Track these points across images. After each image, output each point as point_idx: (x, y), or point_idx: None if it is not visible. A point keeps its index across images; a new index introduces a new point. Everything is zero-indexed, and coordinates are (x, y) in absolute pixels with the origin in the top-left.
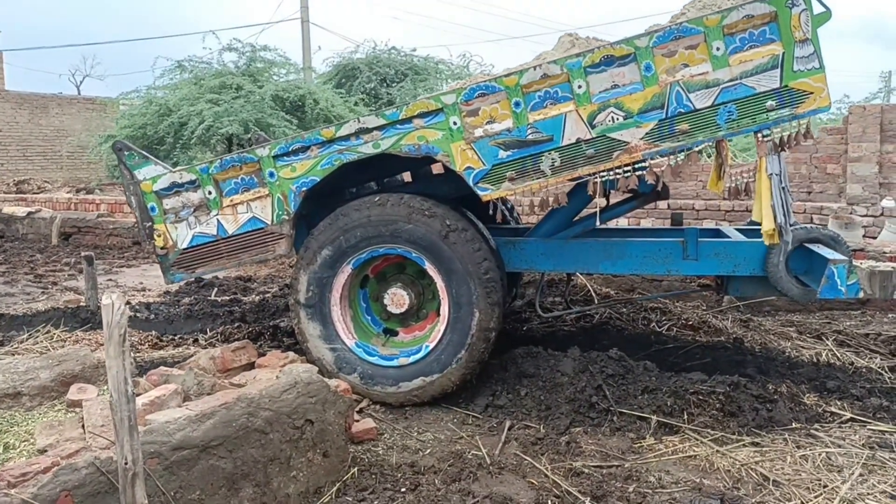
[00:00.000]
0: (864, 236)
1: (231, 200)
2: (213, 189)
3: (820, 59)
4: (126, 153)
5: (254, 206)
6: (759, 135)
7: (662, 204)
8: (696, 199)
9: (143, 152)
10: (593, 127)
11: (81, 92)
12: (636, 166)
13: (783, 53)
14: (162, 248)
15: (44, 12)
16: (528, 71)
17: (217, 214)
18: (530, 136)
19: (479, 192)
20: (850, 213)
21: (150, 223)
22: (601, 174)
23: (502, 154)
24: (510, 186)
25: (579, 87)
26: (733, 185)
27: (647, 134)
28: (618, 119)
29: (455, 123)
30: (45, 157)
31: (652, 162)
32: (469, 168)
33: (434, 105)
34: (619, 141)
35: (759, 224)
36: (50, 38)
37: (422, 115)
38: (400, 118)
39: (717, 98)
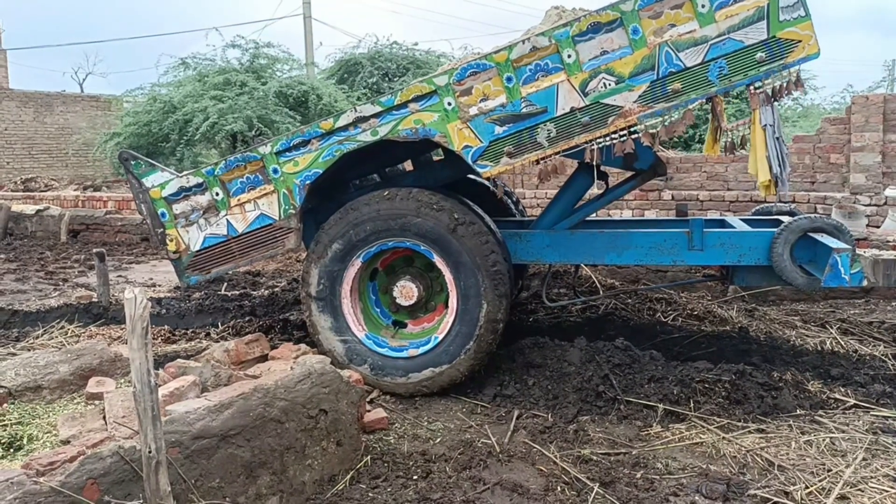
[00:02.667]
0: (867, 225)
1: (238, 200)
2: (221, 190)
3: (805, 6)
4: (132, 162)
5: (261, 204)
6: (752, 87)
7: (667, 195)
8: (700, 190)
9: (149, 160)
10: (586, 94)
11: (84, 90)
12: (632, 130)
13: (768, 4)
14: (175, 252)
15: (46, 11)
16: (517, 45)
17: (226, 215)
18: (524, 110)
19: (479, 170)
20: (854, 203)
21: (162, 229)
22: (598, 141)
23: (498, 130)
24: (509, 161)
25: (569, 56)
26: (729, 140)
27: (640, 97)
28: (610, 84)
29: (449, 104)
30: (51, 155)
31: (647, 124)
32: (467, 147)
33: (427, 88)
34: (613, 106)
35: (756, 175)
36: (52, 36)
37: (416, 99)
38: (395, 104)
39: (706, 55)
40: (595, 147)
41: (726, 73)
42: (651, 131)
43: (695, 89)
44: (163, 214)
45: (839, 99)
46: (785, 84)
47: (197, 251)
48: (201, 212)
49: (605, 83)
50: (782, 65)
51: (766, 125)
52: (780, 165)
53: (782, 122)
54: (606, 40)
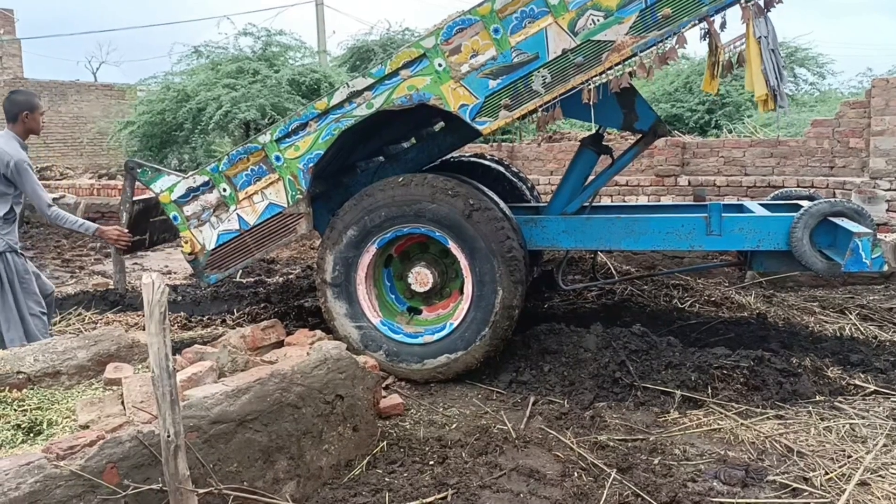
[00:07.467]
0: (887, 210)
1: (246, 193)
2: (227, 186)
3: None
4: (139, 170)
5: (268, 193)
6: (742, 1)
7: (683, 181)
8: (717, 176)
9: (154, 165)
10: (576, 34)
11: (98, 79)
12: (626, 63)
13: None
14: (190, 254)
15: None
16: None
17: (236, 209)
18: (516, 59)
19: (478, 127)
20: (874, 188)
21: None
22: (594, 80)
23: (492, 84)
24: (507, 114)
25: None
26: (725, 59)
27: (630, 28)
28: (598, 20)
29: (440, 65)
30: (66, 143)
31: (641, 54)
32: (463, 105)
33: (416, 52)
34: (605, 42)
35: (757, 96)
36: (65, 25)
37: (406, 66)
38: (386, 73)
39: None
40: (592, 87)
41: None
42: (645, 62)
43: (686, 12)
44: (175, 217)
45: (857, 83)
46: None
47: (213, 249)
48: (212, 210)
49: (593, 20)
50: None
51: (760, 37)
52: (777, 78)
53: (778, 38)
54: None
